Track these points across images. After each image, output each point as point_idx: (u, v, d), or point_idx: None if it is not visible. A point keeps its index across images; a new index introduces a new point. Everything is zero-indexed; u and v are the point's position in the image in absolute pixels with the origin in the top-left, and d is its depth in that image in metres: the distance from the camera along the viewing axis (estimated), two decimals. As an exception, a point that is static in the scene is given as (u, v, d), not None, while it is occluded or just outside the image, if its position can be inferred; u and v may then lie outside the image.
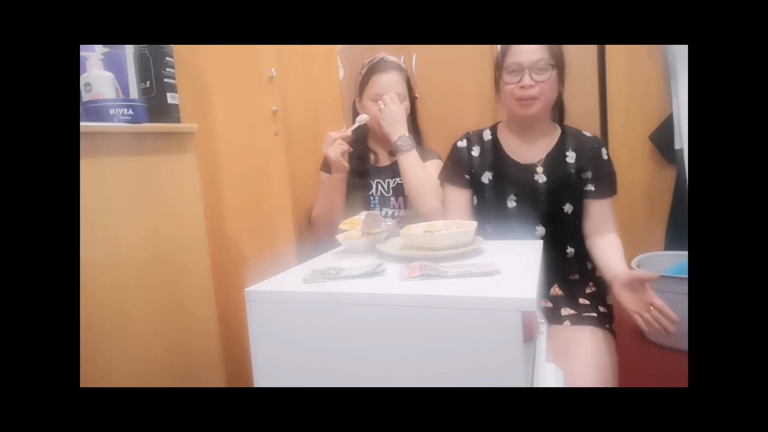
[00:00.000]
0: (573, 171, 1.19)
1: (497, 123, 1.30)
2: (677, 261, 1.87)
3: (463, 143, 1.28)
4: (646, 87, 1.95)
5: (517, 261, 0.78)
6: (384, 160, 1.46)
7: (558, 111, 1.27)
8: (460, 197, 1.25)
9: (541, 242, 0.90)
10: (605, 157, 1.20)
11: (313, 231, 1.43)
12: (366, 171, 1.42)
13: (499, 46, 1.23)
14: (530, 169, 1.20)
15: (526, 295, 0.58)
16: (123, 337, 0.84)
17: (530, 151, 1.22)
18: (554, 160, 1.20)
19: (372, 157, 1.46)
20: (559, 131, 1.24)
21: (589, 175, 1.19)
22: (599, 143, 1.21)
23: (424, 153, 1.39)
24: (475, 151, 1.26)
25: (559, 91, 1.20)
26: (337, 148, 1.26)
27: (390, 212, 1.42)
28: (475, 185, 1.25)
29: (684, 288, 1.67)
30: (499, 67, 1.19)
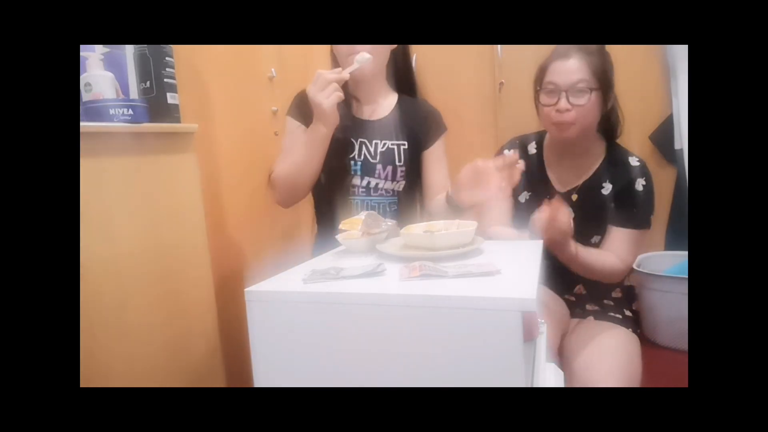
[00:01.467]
0: (605, 204, 1.14)
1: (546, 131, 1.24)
2: (677, 261, 1.87)
3: (509, 153, 1.24)
4: (646, 87, 1.95)
5: (517, 261, 0.78)
6: (368, 112, 1.16)
7: (609, 127, 1.18)
8: (504, 206, 1.23)
9: (541, 242, 0.90)
10: (639, 188, 1.12)
11: (273, 193, 1.14)
12: (347, 124, 1.10)
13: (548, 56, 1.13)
14: (565, 198, 1.16)
15: (526, 295, 0.58)
16: (123, 337, 0.84)
17: (571, 172, 1.19)
18: (589, 191, 1.16)
19: (354, 105, 1.16)
20: (603, 154, 1.17)
21: (615, 203, 1.14)
22: (638, 173, 1.14)
23: (430, 123, 1.19)
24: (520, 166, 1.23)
25: (607, 109, 1.12)
26: (332, 95, 0.97)
27: (375, 183, 1.15)
28: (514, 199, 1.23)
29: (684, 288, 1.66)
30: (536, 84, 1.14)
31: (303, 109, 1.08)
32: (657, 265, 1.87)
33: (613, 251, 1.13)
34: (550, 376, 0.82)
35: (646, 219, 1.14)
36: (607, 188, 1.15)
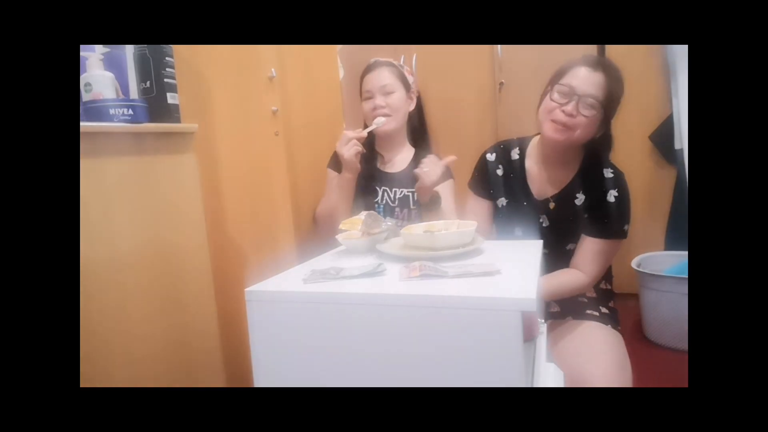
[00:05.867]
0: (579, 213, 1.17)
1: (531, 137, 1.26)
2: (677, 261, 1.88)
3: (491, 157, 1.28)
4: (646, 87, 1.95)
5: (517, 261, 0.78)
6: (391, 166, 1.44)
7: (595, 147, 1.18)
8: (482, 208, 1.28)
9: (540, 242, 0.90)
10: (611, 199, 1.14)
11: (316, 228, 1.42)
12: (373, 175, 1.41)
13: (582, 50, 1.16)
14: (540, 207, 1.20)
15: (526, 295, 0.58)
16: (123, 337, 0.84)
17: (549, 181, 1.21)
18: (564, 201, 1.19)
19: (379, 159, 1.45)
20: (579, 165, 1.19)
21: (587, 213, 1.16)
22: (611, 185, 1.15)
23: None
24: (500, 171, 1.26)
25: (598, 134, 1.13)
26: (351, 148, 1.25)
27: (394, 222, 1.39)
28: (493, 204, 1.28)
29: (684, 288, 1.67)
30: (552, 80, 1.14)
31: (337, 161, 1.34)
32: (657, 265, 1.87)
33: (581, 261, 1.15)
34: (550, 376, 0.82)
35: (618, 230, 1.15)
36: (580, 199, 1.18)
